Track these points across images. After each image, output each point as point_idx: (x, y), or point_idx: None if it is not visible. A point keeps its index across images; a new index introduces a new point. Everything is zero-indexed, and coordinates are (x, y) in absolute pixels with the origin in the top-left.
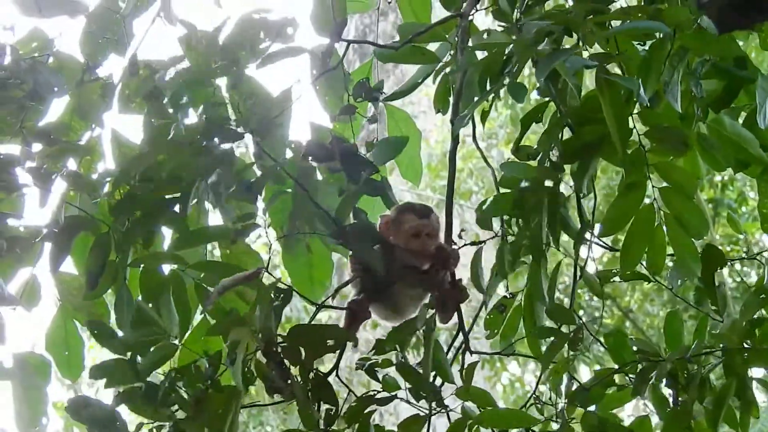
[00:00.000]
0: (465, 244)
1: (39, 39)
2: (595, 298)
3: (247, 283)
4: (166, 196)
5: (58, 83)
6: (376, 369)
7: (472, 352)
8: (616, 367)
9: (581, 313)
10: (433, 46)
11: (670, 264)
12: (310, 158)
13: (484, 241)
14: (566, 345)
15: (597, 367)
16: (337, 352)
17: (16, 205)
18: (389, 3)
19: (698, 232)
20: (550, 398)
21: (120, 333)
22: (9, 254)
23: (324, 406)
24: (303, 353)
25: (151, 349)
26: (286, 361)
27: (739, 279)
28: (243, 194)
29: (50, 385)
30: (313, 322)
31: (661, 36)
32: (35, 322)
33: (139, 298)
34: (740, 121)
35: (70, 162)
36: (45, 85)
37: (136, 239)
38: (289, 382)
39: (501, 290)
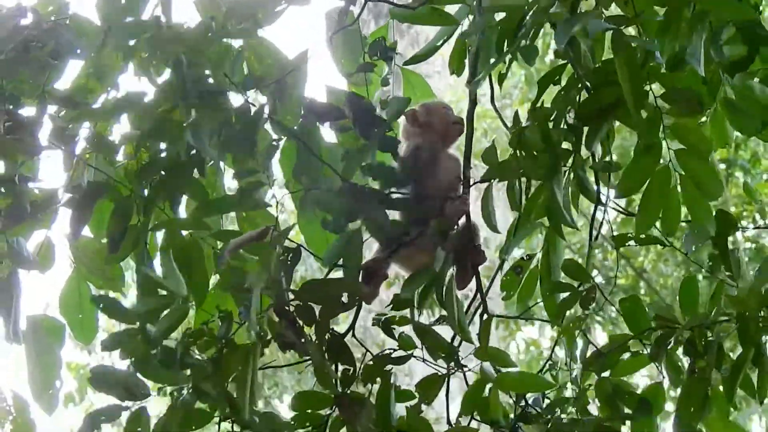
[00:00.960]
0: (476, 182)
1: (54, 2)
2: (610, 258)
3: (257, 242)
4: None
5: (80, 45)
6: (393, 326)
7: (490, 315)
8: (631, 334)
9: (595, 273)
10: (452, 9)
11: (684, 225)
12: (312, 115)
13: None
14: (579, 304)
15: (611, 329)
16: (353, 311)
17: (33, 168)
18: None
19: (714, 194)
20: (565, 363)
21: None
22: (29, 217)
23: (341, 367)
24: (317, 312)
25: (162, 315)
26: (299, 320)
27: (752, 243)
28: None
29: (64, 347)
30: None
31: None
32: (48, 284)
33: (153, 262)
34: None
35: (85, 125)
36: (67, 47)
37: (159, 202)
38: (303, 340)
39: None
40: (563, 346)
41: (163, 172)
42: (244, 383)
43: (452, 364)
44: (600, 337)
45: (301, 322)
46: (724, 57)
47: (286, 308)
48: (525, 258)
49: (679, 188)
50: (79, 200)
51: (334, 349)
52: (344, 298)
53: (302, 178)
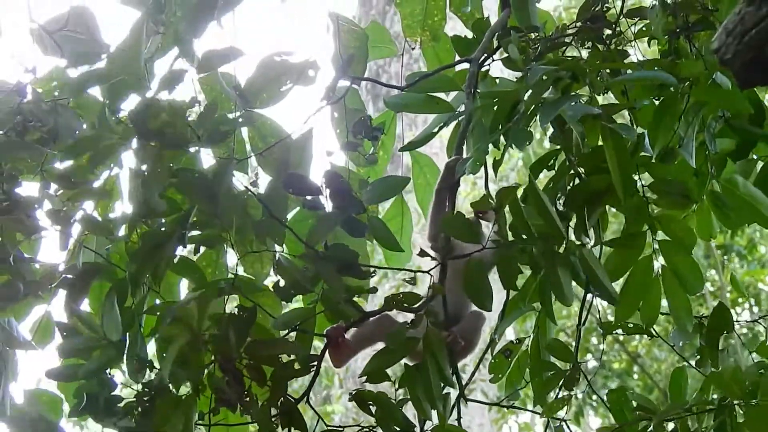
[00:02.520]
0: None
1: (59, 78)
2: (604, 343)
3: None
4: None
5: (79, 126)
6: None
7: (467, 401)
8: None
9: (588, 356)
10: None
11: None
12: (290, 190)
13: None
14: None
15: (604, 412)
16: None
17: (33, 246)
18: (412, 49)
19: (694, 288)
20: None
21: None
22: (26, 295)
23: None
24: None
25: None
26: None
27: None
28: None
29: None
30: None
31: (675, 90)
32: (46, 358)
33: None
34: (756, 170)
35: (87, 203)
36: (66, 128)
37: (143, 281)
38: (248, 399)
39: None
40: None
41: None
42: None
43: None
44: (594, 422)
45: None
46: (716, 148)
47: (232, 365)
48: (515, 341)
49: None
50: (74, 281)
51: (285, 414)
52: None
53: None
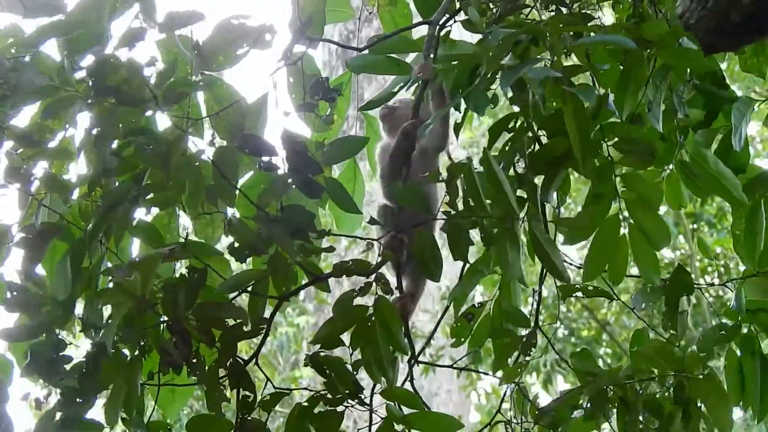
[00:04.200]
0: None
1: (17, 35)
2: (572, 309)
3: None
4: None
5: (41, 83)
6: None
7: (418, 363)
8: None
9: (557, 324)
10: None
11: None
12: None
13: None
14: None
15: (574, 381)
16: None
17: None
18: (369, 13)
19: (660, 244)
20: (514, 416)
21: None
22: None
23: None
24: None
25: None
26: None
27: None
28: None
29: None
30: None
31: (640, 53)
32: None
33: None
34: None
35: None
36: (28, 84)
37: (101, 240)
38: (195, 361)
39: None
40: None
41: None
42: (117, 395)
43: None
44: (563, 388)
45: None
46: (685, 114)
47: (181, 326)
48: (477, 305)
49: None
50: (32, 240)
51: (234, 375)
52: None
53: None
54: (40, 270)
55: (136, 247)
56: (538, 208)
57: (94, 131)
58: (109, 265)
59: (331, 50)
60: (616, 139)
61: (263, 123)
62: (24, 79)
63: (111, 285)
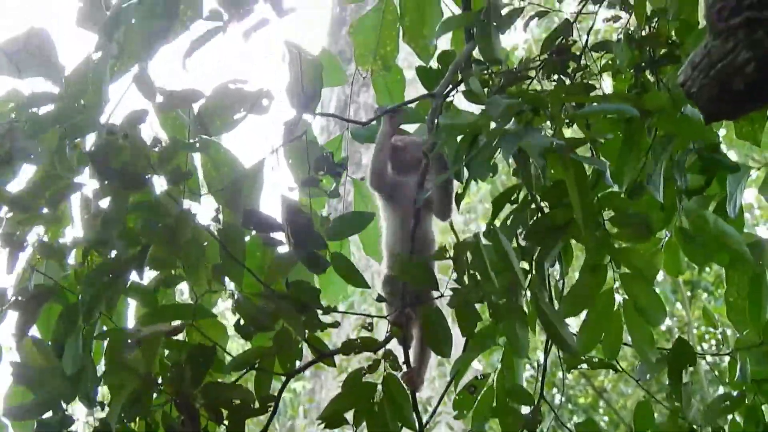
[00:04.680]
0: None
1: (16, 99)
2: (570, 376)
3: (170, 336)
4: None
5: (34, 150)
6: None
7: None
8: None
9: (554, 391)
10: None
11: None
12: (251, 227)
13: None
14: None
15: None
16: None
17: None
18: (363, 78)
19: (655, 320)
20: None
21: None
22: None
23: None
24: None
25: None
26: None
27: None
28: None
29: None
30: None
31: (641, 123)
32: None
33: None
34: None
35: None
36: (21, 152)
37: (100, 308)
38: None
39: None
40: None
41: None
42: None
43: None
44: None
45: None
46: (686, 182)
47: (189, 405)
48: (480, 377)
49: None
50: (26, 303)
51: None
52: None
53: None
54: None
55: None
56: (543, 279)
57: (98, 211)
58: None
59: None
60: (613, 212)
61: (260, 187)
62: (17, 146)
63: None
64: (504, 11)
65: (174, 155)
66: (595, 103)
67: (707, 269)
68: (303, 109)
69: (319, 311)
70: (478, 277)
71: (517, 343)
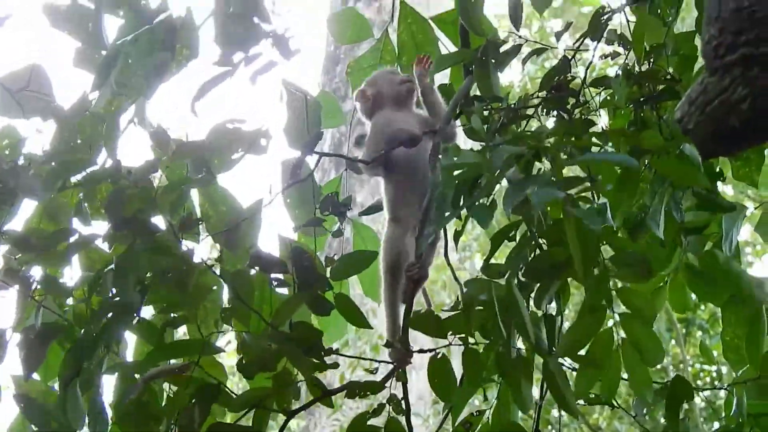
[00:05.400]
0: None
1: (11, 137)
2: (564, 413)
3: (177, 374)
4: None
5: (37, 188)
6: None
7: None
8: None
9: (549, 428)
10: None
11: None
12: (256, 265)
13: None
14: None
15: None
16: None
17: None
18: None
19: (654, 361)
20: None
21: None
22: None
23: None
24: None
25: None
26: None
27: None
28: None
29: None
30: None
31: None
32: None
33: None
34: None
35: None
36: (25, 189)
37: (104, 344)
38: None
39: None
40: None
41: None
42: None
43: None
44: None
45: None
46: (683, 217)
47: None
48: (475, 414)
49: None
50: (33, 342)
51: None
52: None
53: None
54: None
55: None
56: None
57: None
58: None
59: (326, 147)
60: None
61: (258, 227)
62: (22, 183)
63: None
64: (502, 48)
65: (177, 197)
66: (594, 143)
67: (702, 307)
68: (307, 150)
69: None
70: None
71: (521, 398)
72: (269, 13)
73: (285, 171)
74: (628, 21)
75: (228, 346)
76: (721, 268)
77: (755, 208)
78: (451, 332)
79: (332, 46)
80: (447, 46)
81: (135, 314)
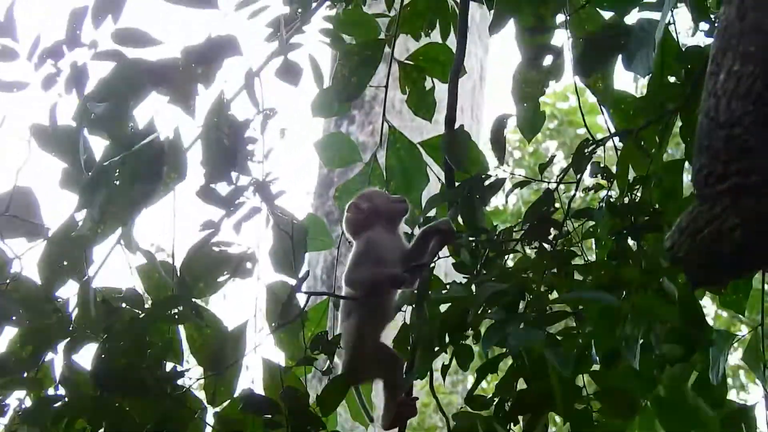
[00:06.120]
0: None
1: None
2: None
3: None
4: None
5: (16, 312)
6: None
7: None
8: None
9: None
10: None
11: None
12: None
13: None
14: None
15: None
16: None
17: None
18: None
19: None
20: None
21: None
22: None
23: None
24: None
25: None
26: None
27: None
28: None
29: None
30: None
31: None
32: None
33: None
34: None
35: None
36: (3, 313)
37: None
38: None
39: None
40: None
41: None
42: None
43: None
44: None
45: None
46: (660, 348)
47: None
48: None
49: None
50: None
51: None
52: None
53: None
54: None
55: None
56: None
57: None
58: None
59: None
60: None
61: (242, 350)
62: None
63: None
64: (488, 181)
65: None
66: (575, 273)
67: None
68: (298, 286)
69: None
70: None
71: None
72: (252, 154)
73: (269, 294)
74: (615, 147)
75: None
76: (689, 406)
77: (747, 333)
78: None
79: (325, 169)
80: (435, 171)
81: None
